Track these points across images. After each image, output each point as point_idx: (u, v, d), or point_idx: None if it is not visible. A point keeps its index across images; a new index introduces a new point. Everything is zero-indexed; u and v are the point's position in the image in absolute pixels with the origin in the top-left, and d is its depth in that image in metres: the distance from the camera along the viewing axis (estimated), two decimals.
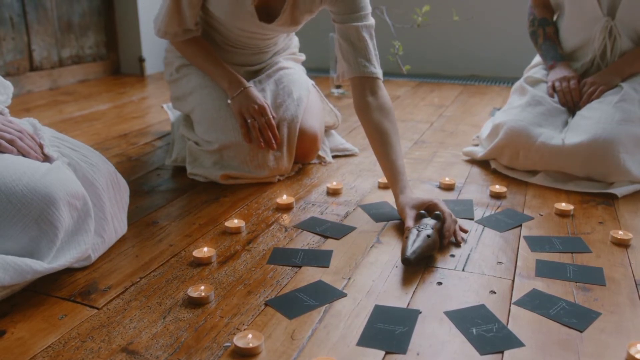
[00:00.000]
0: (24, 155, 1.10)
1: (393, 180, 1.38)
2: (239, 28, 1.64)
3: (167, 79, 1.86)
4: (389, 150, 1.41)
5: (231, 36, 1.70)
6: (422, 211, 1.26)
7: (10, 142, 1.10)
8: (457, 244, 1.26)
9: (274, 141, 1.60)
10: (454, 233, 1.26)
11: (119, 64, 3.58)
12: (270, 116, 1.60)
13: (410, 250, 1.14)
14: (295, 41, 1.98)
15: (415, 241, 1.16)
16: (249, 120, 1.58)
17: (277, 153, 1.63)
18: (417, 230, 1.19)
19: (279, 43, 1.84)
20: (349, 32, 1.49)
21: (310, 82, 1.83)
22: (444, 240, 1.22)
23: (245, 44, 1.73)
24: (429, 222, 1.22)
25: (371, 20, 1.52)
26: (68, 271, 1.13)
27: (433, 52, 3.54)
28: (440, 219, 1.24)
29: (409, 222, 1.25)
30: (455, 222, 1.27)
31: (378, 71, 1.50)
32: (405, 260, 1.13)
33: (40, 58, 3.04)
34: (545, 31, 1.91)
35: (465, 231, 1.30)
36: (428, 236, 1.17)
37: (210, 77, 1.70)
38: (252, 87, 1.63)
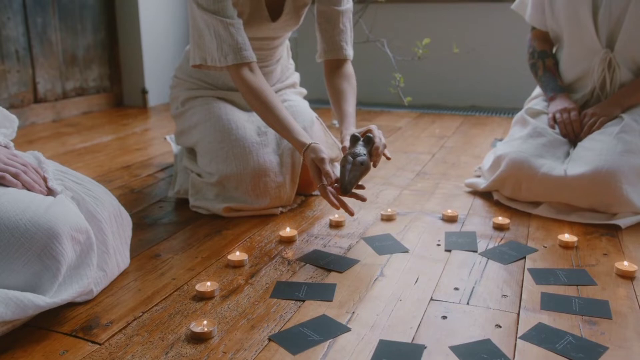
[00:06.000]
0: (28, 189, 1.10)
1: (342, 122, 1.58)
2: (250, 37, 1.65)
3: (173, 114, 1.88)
4: (342, 102, 1.62)
5: None
6: (356, 134, 1.43)
7: (15, 175, 1.10)
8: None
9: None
10: (383, 153, 1.44)
11: (122, 96, 3.61)
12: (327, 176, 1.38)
13: (346, 182, 1.34)
14: (296, 76, 2.01)
15: (350, 171, 1.35)
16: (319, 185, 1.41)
17: (280, 179, 1.63)
18: (352, 157, 1.37)
19: (281, 60, 1.89)
20: (331, 15, 1.67)
21: (314, 114, 1.85)
22: (373, 158, 1.41)
23: None
24: (362, 149, 1.39)
25: (351, 4, 1.72)
26: (70, 305, 1.12)
27: (434, 84, 3.57)
28: (371, 141, 1.41)
29: (345, 143, 1.45)
30: (385, 145, 1.45)
31: (351, 53, 1.73)
32: (344, 191, 1.34)
33: (44, 90, 3.07)
34: (545, 63, 1.93)
35: (388, 158, 1.48)
36: (362, 164, 1.36)
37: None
38: (311, 146, 1.43)
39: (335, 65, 1.70)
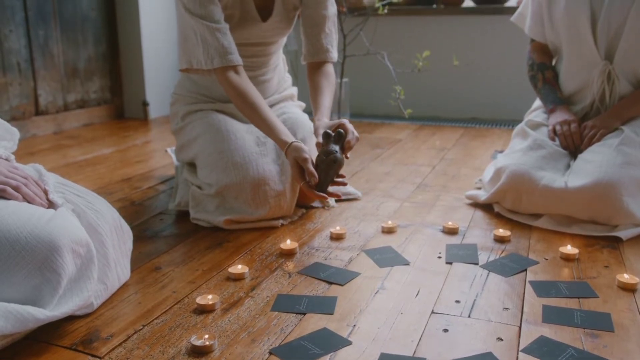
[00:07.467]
0: (28, 202, 1.10)
1: (316, 113, 1.66)
2: (241, 42, 1.68)
3: (173, 129, 1.89)
4: (318, 96, 1.70)
5: None
6: (328, 130, 1.48)
7: (16, 188, 1.11)
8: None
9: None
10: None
11: (122, 108, 3.62)
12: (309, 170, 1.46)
13: (321, 182, 1.44)
14: (293, 89, 2.03)
15: (324, 170, 1.44)
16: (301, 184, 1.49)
17: (280, 187, 1.63)
18: (325, 156, 1.44)
19: (277, 70, 1.92)
20: (317, 19, 1.75)
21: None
22: (345, 152, 1.48)
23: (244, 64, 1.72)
24: (334, 146, 1.45)
25: (335, 9, 1.80)
26: (70, 319, 1.12)
27: (434, 96, 3.58)
28: (342, 136, 1.47)
29: (319, 139, 1.51)
30: (357, 138, 1.52)
31: (336, 56, 1.81)
32: (319, 191, 1.44)
33: (45, 102, 3.08)
34: (545, 75, 1.94)
35: (346, 157, 1.50)
36: (334, 161, 1.43)
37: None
38: (293, 144, 1.50)
39: (317, 66, 1.78)
